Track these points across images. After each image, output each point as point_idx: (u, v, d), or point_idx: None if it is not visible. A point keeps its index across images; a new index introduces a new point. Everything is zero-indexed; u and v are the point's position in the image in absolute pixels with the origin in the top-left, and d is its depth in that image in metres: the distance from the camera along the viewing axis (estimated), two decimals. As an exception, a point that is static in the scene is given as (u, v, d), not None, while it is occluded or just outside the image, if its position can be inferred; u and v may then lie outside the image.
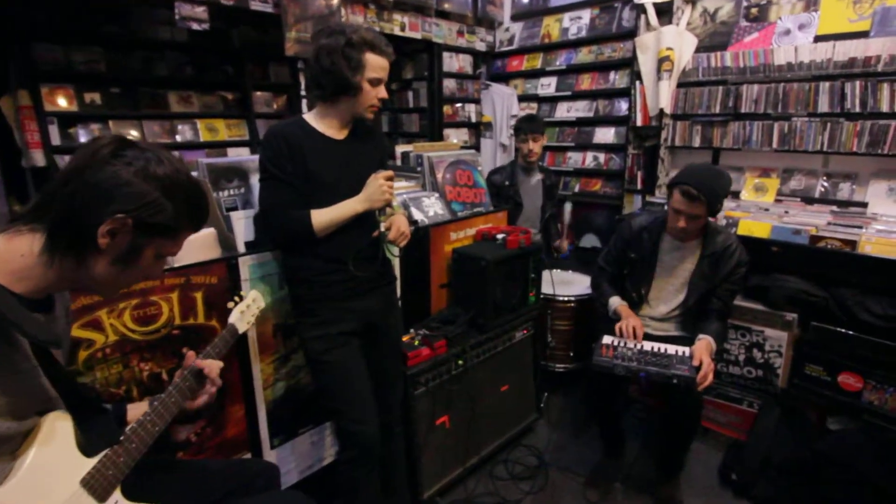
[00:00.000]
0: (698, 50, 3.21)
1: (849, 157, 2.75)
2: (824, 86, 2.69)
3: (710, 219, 2.12)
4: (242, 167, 1.84)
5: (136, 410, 1.17)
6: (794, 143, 2.83)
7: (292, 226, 1.51)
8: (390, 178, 1.58)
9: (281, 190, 1.49)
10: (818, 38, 2.75)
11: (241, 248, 1.74)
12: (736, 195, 3.13)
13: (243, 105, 4.30)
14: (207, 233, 1.66)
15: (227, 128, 4.17)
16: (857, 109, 2.60)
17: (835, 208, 2.74)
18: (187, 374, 1.18)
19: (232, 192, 1.81)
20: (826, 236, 2.36)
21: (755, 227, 2.56)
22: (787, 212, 2.71)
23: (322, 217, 1.52)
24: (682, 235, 2.11)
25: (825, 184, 2.87)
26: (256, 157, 1.62)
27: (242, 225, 1.74)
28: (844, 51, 2.62)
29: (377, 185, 1.54)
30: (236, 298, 1.44)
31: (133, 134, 3.79)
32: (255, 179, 1.82)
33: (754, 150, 3.04)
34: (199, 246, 1.61)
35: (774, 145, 2.92)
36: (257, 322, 1.72)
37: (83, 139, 3.54)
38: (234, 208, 1.79)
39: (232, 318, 1.39)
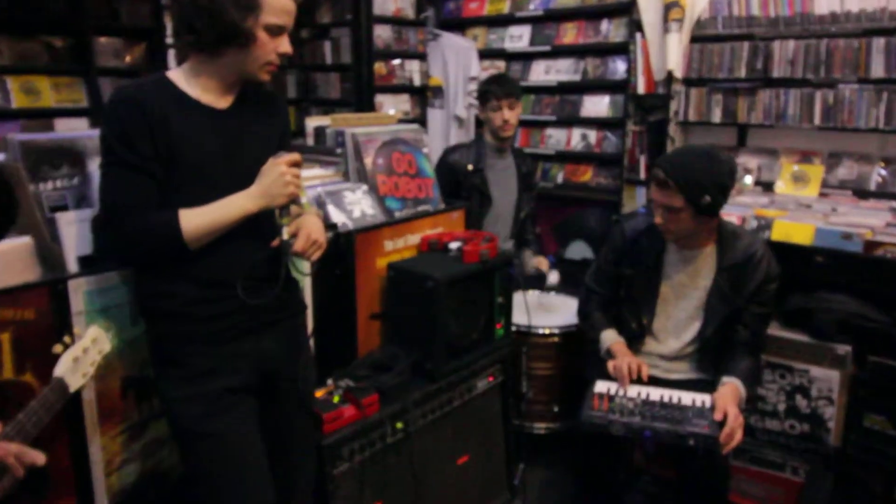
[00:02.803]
0: (717, -7, 3.35)
1: (911, 137, 2.93)
2: (878, 43, 2.86)
3: (727, 219, 2.20)
4: (76, 147, 1.79)
5: None
6: (842, 118, 2.99)
7: (151, 233, 1.47)
8: (296, 164, 1.56)
9: (133, 180, 1.46)
10: (870, -19, 2.93)
11: (73, 267, 1.68)
12: (769, 188, 3.27)
13: (80, 56, 4.17)
14: (18, 244, 1.59)
15: (53, 89, 4.02)
16: (922, 74, 2.78)
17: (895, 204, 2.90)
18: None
19: (60, 183, 1.75)
20: (885, 241, 2.49)
21: (794, 230, 2.67)
22: (834, 209, 2.85)
23: (196, 219, 1.48)
24: (673, 239, 2.20)
25: (882, 172, 3.04)
26: (98, 132, 1.57)
27: (74, 232, 1.69)
28: (902, -2, 2.80)
29: (277, 174, 1.52)
30: (66, 340, 1.40)
31: None
32: (95, 165, 1.76)
33: (791, 128, 3.19)
34: (5, 264, 1.54)
35: (816, 121, 3.07)
36: (98, 374, 1.63)
37: None
38: (63, 207, 1.74)
39: (59, 370, 1.34)
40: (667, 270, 2.27)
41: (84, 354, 1.39)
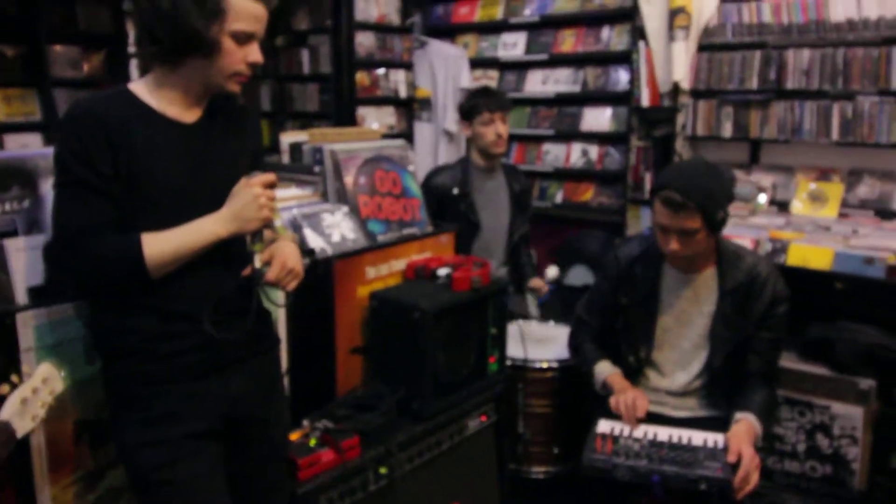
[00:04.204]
0: (725, -2, 3.41)
1: (936, 152, 2.98)
2: (899, 52, 2.91)
3: (738, 241, 2.22)
4: (27, 166, 1.79)
5: None
6: (862, 132, 3.03)
7: (110, 259, 1.47)
8: (271, 185, 1.56)
9: (91, 202, 1.46)
10: (889, -14, 2.99)
11: (22, 299, 1.67)
12: (784, 208, 3.30)
13: (33, 65, 4.17)
14: (-37, 273, 1.58)
15: (3, 101, 4.03)
16: (946, 86, 2.84)
17: (920, 226, 2.94)
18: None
19: (8, 206, 1.75)
20: (910, 267, 2.52)
21: (811, 253, 2.70)
22: (855, 231, 2.88)
23: (160, 245, 1.48)
24: (683, 264, 2.21)
25: (906, 191, 3.08)
26: (51, 150, 1.57)
27: (24, 260, 1.68)
28: (924, 4, 2.86)
29: (250, 196, 1.53)
30: (14, 379, 1.39)
31: None
32: (47, 186, 1.76)
33: (807, 143, 3.22)
34: (-53, 295, 1.53)
35: (834, 136, 3.11)
36: (48, 417, 1.62)
37: None
38: (12, 233, 1.73)
39: (6, 413, 1.33)
40: (666, 298, 2.29)
41: (34, 395, 1.38)
